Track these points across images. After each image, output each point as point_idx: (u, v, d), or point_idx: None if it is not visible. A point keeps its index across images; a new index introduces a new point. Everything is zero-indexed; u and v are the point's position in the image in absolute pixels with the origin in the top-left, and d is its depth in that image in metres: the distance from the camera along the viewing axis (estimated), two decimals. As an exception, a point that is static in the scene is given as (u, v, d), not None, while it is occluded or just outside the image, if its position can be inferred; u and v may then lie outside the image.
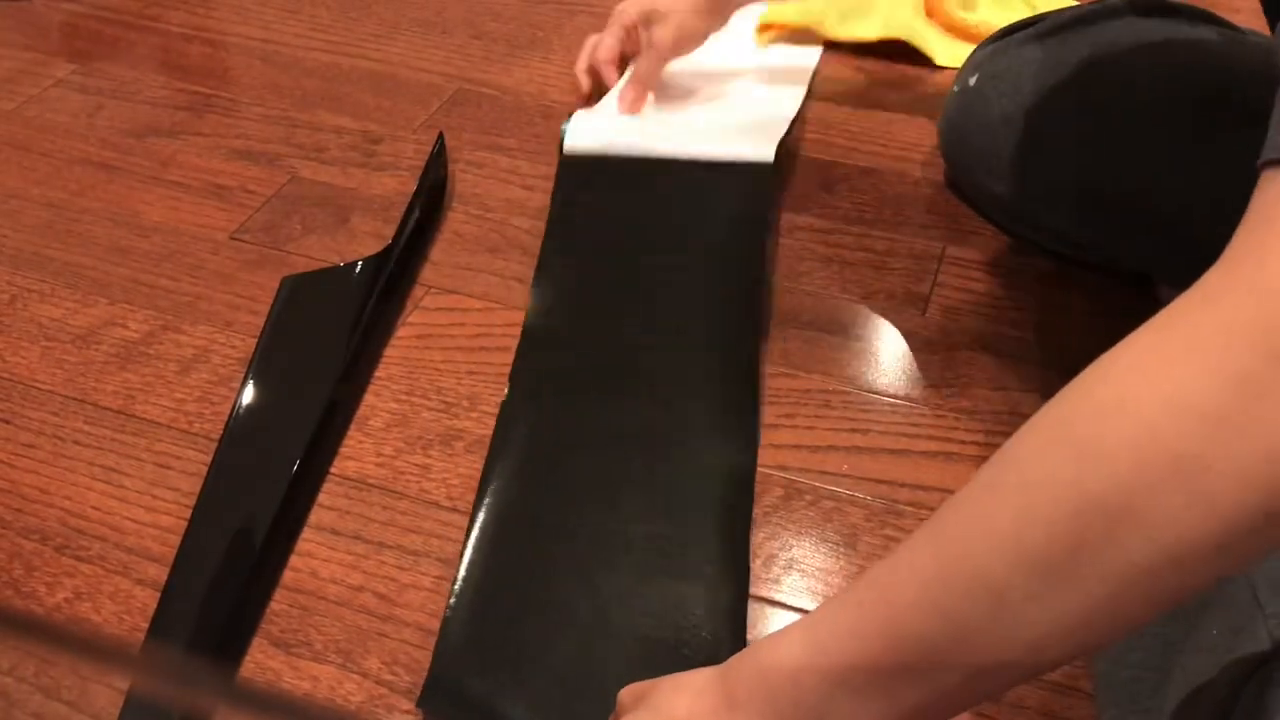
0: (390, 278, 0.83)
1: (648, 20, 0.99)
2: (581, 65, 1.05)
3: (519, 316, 0.81)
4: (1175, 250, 0.76)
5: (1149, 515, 0.35)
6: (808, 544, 0.67)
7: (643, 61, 0.99)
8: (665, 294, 0.83)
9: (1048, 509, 0.37)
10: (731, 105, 1.03)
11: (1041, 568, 0.37)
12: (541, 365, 0.77)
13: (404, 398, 0.75)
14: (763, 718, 0.43)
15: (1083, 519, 0.36)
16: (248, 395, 0.74)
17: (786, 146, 0.93)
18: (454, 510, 0.68)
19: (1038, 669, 0.40)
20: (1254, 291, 0.37)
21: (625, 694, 0.50)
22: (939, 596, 0.40)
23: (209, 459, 0.71)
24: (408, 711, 0.58)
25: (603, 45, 1.03)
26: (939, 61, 1.12)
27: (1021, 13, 1.11)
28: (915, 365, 0.78)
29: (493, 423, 0.73)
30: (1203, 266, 0.80)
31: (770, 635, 0.46)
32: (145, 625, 0.62)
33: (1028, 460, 0.40)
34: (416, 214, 0.88)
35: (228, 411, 0.74)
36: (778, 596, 0.64)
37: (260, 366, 0.77)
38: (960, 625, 0.39)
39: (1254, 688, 0.44)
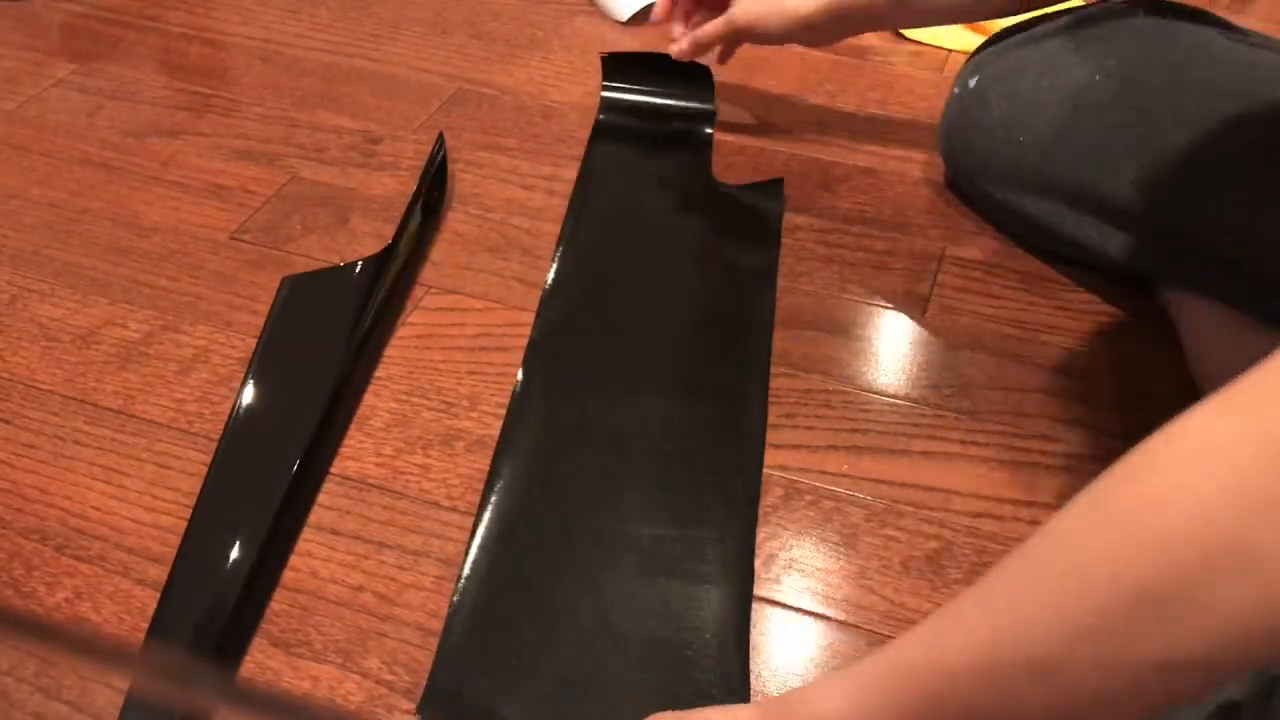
0: (390, 278, 0.83)
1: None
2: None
3: (519, 316, 0.81)
4: (1176, 252, 0.76)
5: (1206, 603, 0.35)
6: (808, 544, 0.67)
7: (710, 25, 0.92)
8: (676, 296, 0.83)
9: (1103, 594, 0.37)
10: None
11: (1095, 650, 0.37)
12: (549, 364, 0.77)
13: (404, 398, 0.75)
14: None
15: (1139, 605, 0.36)
16: (248, 395, 0.74)
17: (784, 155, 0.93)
18: (454, 510, 0.68)
19: None
20: None
21: None
22: (989, 667, 0.40)
23: (209, 459, 0.71)
24: (408, 711, 0.58)
25: None
26: (911, 35, 1.15)
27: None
28: (915, 365, 0.78)
29: (493, 423, 0.73)
30: (1201, 269, 0.80)
31: (812, 684, 0.47)
32: (145, 625, 0.62)
33: (1080, 541, 0.39)
34: (416, 214, 0.88)
35: (228, 411, 0.74)
36: (778, 596, 0.64)
37: (260, 366, 0.77)
38: (1009, 697, 0.40)
39: (1261, 696, 0.44)
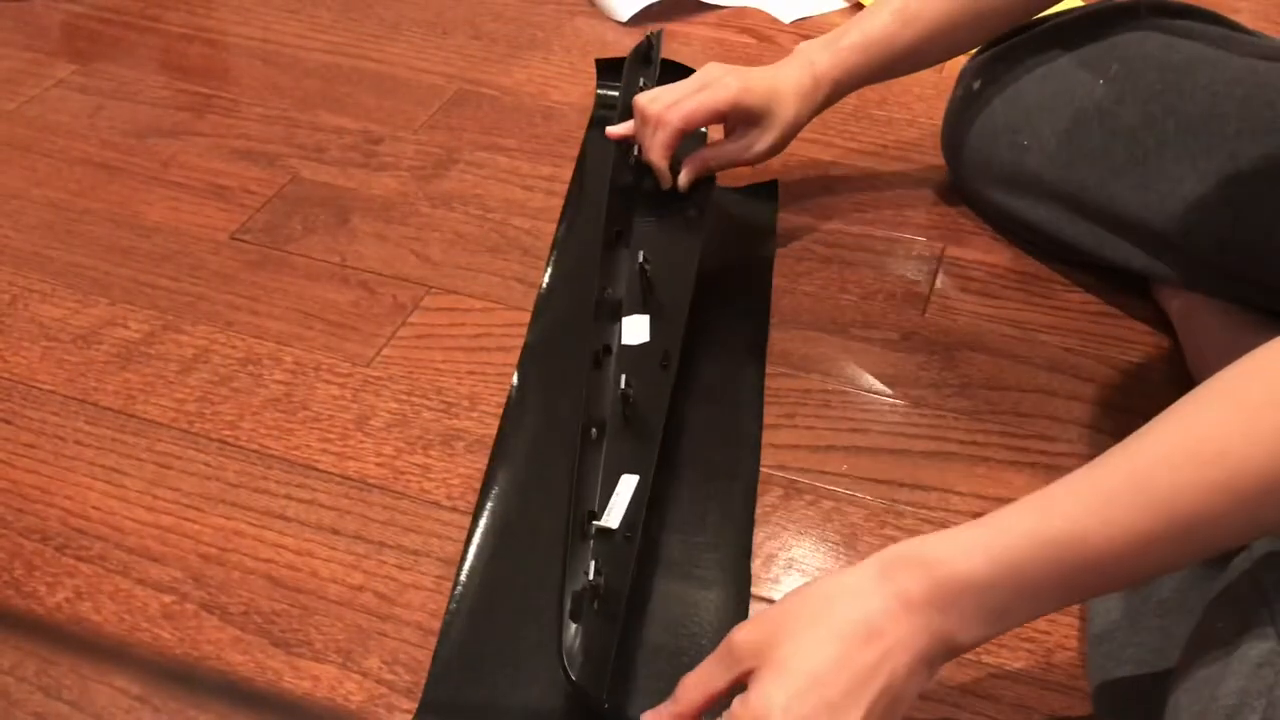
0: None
1: (749, 116, 0.80)
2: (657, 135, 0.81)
3: (519, 316, 0.81)
4: (1178, 258, 0.76)
5: None
6: (808, 544, 0.67)
7: (714, 153, 0.83)
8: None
9: (1238, 477, 0.43)
10: None
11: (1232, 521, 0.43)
12: (544, 367, 0.77)
13: (404, 398, 0.75)
14: (944, 618, 0.47)
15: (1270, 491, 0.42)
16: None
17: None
18: (454, 510, 0.68)
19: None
20: None
21: (740, 638, 0.49)
22: (1136, 544, 0.44)
23: (209, 459, 0.71)
24: (407, 711, 0.58)
25: (669, 124, 0.80)
26: None
27: None
28: (915, 365, 0.78)
29: (493, 423, 0.73)
30: (1202, 273, 0.80)
31: (941, 539, 0.48)
32: (145, 625, 0.62)
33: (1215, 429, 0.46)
34: None
35: (228, 411, 0.74)
36: (777, 596, 0.64)
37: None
38: (1146, 563, 0.46)
39: (1266, 686, 0.44)
